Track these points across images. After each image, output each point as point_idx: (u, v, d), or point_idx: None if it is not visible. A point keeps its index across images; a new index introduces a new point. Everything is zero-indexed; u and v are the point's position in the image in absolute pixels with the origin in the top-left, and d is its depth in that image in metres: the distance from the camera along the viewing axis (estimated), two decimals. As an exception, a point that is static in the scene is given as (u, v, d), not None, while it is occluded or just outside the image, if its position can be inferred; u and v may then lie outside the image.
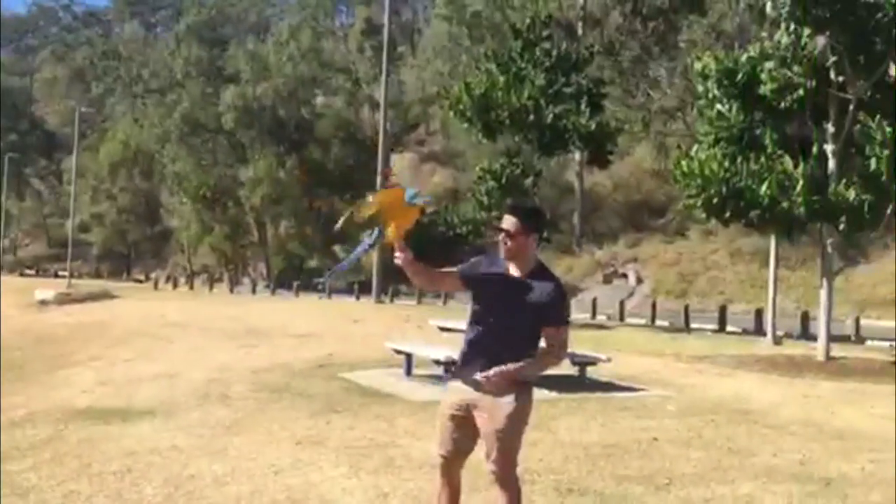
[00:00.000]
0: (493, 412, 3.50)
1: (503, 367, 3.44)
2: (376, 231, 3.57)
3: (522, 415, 3.54)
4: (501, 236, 3.55)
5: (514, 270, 3.56)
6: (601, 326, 20.46)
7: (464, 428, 3.56)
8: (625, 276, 34.86)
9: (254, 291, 37.65)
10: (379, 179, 27.09)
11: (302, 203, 43.02)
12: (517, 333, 3.52)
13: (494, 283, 3.56)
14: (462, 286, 3.68)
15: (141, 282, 49.53)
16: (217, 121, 45.34)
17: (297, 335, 15.16)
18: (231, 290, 38.35)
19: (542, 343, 3.60)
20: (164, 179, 50.95)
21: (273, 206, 42.74)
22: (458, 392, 3.59)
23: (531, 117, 18.74)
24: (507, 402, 3.51)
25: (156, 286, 41.27)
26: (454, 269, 3.70)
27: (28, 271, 59.92)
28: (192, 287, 41.55)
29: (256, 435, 6.61)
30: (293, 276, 40.09)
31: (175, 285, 42.12)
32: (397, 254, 3.50)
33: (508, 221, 3.56)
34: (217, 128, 45.85)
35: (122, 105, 74.62)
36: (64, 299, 26.95)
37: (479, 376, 3.46)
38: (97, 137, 64.85)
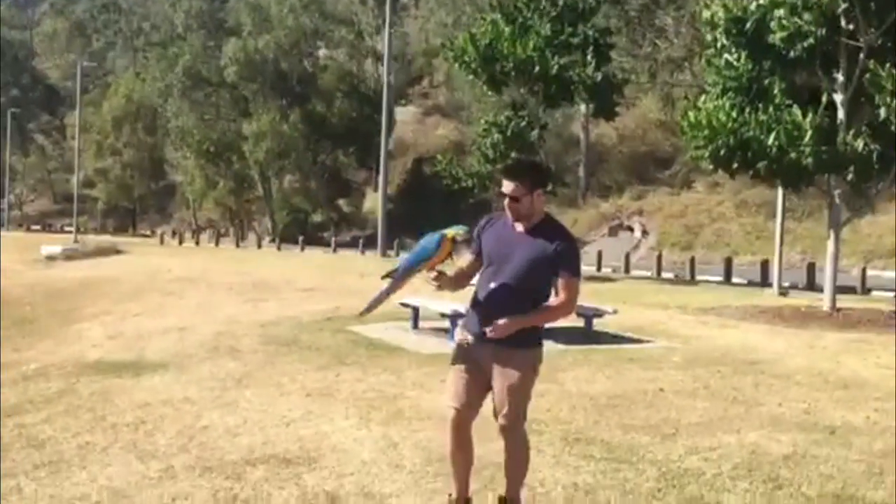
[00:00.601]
0: (504, 365, 3.52)
1: (510, 320, 3.46)
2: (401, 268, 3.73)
3: (533, 367, 3.57)
4: (506, 202, 3.50)
5: (521, 227, 3.54)
6: (607, 279, 20.52)
7: (476, 381, 3.57)
8: (630, 228, 34.80)
9: (259, 246, 37.77)
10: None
11: (306, 157, 42.85)
12: (528, 288, 3.50)
13: (502, 243, 3.54)
14: (479, 263, 3.65)
15: (147, 237, 49.70)
16: (219, 74, 44.96)
17: (303, 289, 15.23)
18: (237, 245, 38.46)
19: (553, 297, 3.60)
20: (167, 134, 50.72)
21: (277, 160, 42.61)
22: (471, 347, 3.60)
23: (536, 69, 18.54)
24: (519, 355, 3.53)
25: (161, 241, 41.40)
26: (470, 255, 3.71)
27: (34, 227, 60.09)
28: (197, 242, 41.67)
29: (267, 387, 6.69)
30: (298, 231, 40.18)
31: (181, 240, 42.24)
32: (434, 283, 3.59)
33: (509, 186, 3.49)
34: (219, 81, 45.49)
35: (123, 59, 74.05)
36: (71, 255, 27.05)
37: (488, 331, 3.47)
38: (99, 92, 64.45)
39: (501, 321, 3.47)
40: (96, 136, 58.69)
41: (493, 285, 3.52)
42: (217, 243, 39.38)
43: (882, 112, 11.55)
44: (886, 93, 11.39)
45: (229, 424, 5.51)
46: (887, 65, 11.42)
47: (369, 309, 3.88)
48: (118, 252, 28.60)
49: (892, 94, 11.33)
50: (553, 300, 3.59)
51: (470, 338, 3.60)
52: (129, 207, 61.03)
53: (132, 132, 56.95)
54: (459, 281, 3.69)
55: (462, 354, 3.64)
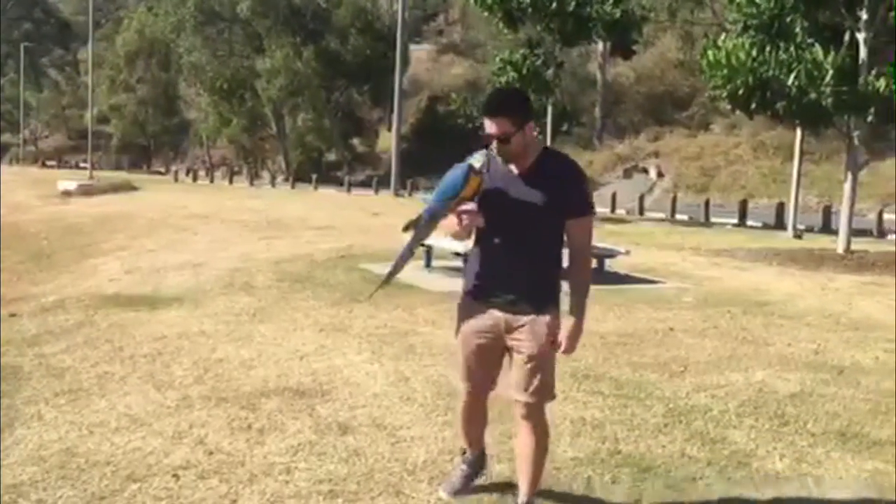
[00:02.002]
0: (527, 333, 3.06)
1: (574, 323, 3.05)
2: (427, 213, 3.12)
3: (558, 331, 3.12)
4: (493, 145, 2.99)
5: (514, 168, 3.05)
6: (620, 220, 20.47)
7: (491, 353, 3.15)
8: (645, 170, 34.55)
9: (273, 184, 37.78)
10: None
11: (319, 95, 42.50)
12: (538, 238, 3.05)
13: (500, 188, 3.04)
14: None
15: (161, 174, 49.75)
16: (232, 10, 44.36)
17: (317, 227, 15.29)
18: (251, 183, 38.49)
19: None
20: (180, 70, 50.34)
21: (290, 97, 42.29)
22: (482, 316, 3.12)
23: (553, 5, 18.25)
24: (541, 320, 3.06)
25: (176, 178, 41.46)
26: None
27: (49, 162, 60.27)
28: (212, 180, 41.71)
29: (281, 322, 6.78)
30: (312, 169, 40.11)
31: (195, 178, 42.29)
32: (462, 228, 3.00)
33: (493, 125, 2.98)
34: (232, 17, 44.90)
35: (135, -7, 73.01)
36: (87, 190, 27.18)
37: (560, 351, 3.07)
38: (112, 27, 63.82)
39: (567, 329, 3.05)
40: (109, 72, 58.32)
41: (497, 240, 3.05)
42: (231, 181, 39.42)
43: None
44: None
45: (244, 357, 5.60)
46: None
47: (392, 274, 3.35)
48: (133, 188, 28.69)
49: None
50: (575, 249, 3.12)
51: (484, 305, 3.12)
52: (144, 144, 60.97)
53: (145, 68, 56.55)
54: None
55: (471, 323, 3.15)
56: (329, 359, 5.61)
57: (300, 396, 4.74)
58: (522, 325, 3.05)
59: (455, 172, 3.02)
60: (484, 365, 3.17)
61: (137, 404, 4.57)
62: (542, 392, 3.13)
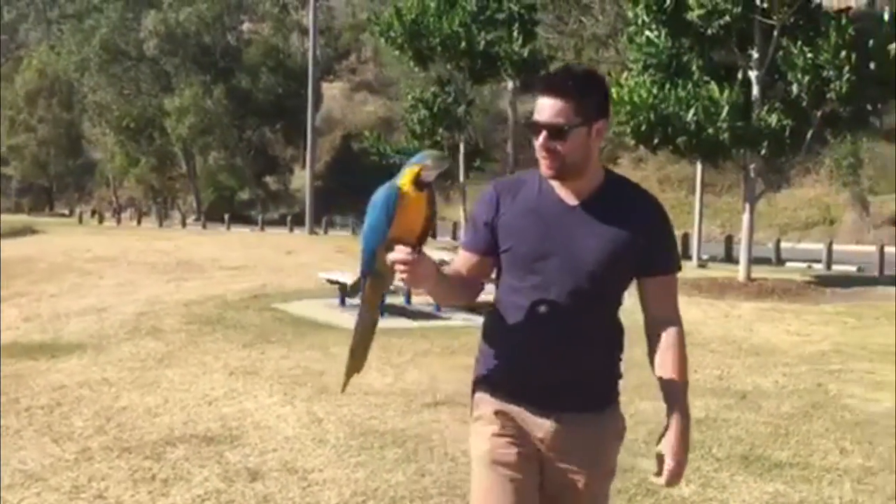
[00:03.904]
0: (582, 447, 2.07)
1: (678, 435, 2.03)
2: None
3: (621, 436, 2.20)
4: (540, 141, 1.98)
5: (567, 194, 2.04)
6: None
7: (526, 476, 2.07)
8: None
9: (184, 224, 36.93)
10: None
11: (231, 133, 41.98)
12: (601, 303, 2.06)
13: (546, 225, 2.02)
14: (487, 264, 2.11)
15: (65, 216, 47.99)
16: (139, 48, 43.53)
17: (229, 268, 15.00)
18: (160, 224, 37.53)
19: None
20: (84, 110, 48.97)
21: (201, 136, 41.58)
22: (512, 421, 2.07)
23: (463, 44, 18.56)
24: (604, 424, 2.13)
25: (80, 220, 40.06)
26: (462, 249, 2.15)
27: (-56, 207, 57.41)
28: (119, 221, 40.48)
29: (189, 367, 6.59)
30: (224, 209, 39.39)
31: (101, 219, 40.95)
32: (402, 273, 1.89)
33: (547, 110, 1.96)
34: (139, 55, 44.05)
35: (36, 31, 70.85)
36: (-17, 235, 25.97)
37: (662, 479, 2.05)
38: (12, 66, 61.67)
39: (671, 446, 2.02)
40: (9, 112, 56.24)
41: (542, 309, 2.01)
42: (139, 222, 38.33)
43: (794, 89, 12.00)
44: (798, 70, 11.80)
45: (149, 404, 5.42)
46: (799, 42, 11.83)
47: (354, 350, 2.18)
48: (34, 232, 27.59)
49: (804, 72, 11.75)
50: (657, 320, 2.09)
51: (516, 407, 2.07)
52: (46, 185, 58.78)
53: (47, 107, 54.75)
54: (455, 287, 2.11)
55: (502, 435, 2.07)
56: (239, 402, 5.49)
57: (208, 443, 4.60)
58: (575, 437, 2.05)
59: (376, 202, 1.97)
60: (513, 488, 2.05)
61: (32, 459, 4.35)
62: None
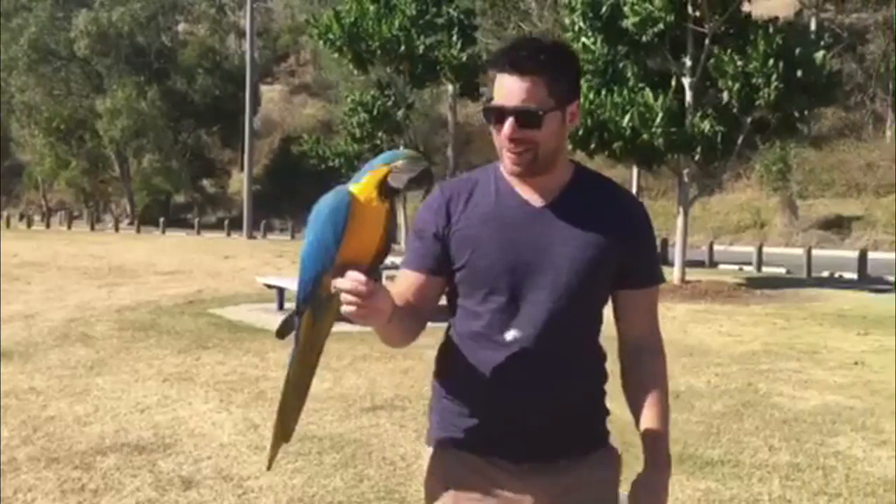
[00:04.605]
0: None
1: (658, 477, 1.73)
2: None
3: (617, 482, 1.83)
4: (506, 130, 1.61)
5: (531, 194, 1.68)
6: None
7: None
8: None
9: (116, 229, 36.06)
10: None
11: (166, 135, 41.15)
12: (578, 322, 1.69)
13: (503, 233, 1.66)
14: (436, 285, 1.71)
15: (-9, 220, 46.38)
16: (69, 48, 42.37)
17: (164, 272, 14.70)
18: (92, 228, 36.56)
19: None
20: (12, 110, 47.42)
21: (134, 138, 40.68)
22: (480, 483, 1.69)
23: (402, 48, 18.60)
24: (608, 477, 1.80)
25: (7, 224, 38.78)
26: (406, 269, 1.72)
27: None
28: (48, 225, 39.31)
29: (121, 374, 6.43)
30: (159, 212, 38.63)
31: (30, 224, 39.72)
32: (352, 307, 1.47)
33: (520, 89, 1.59)
34: (69, 55, 42.88)
35: (-41, 29, 68.42)
36: None
37: None
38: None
39: (649, 488, 1.72)
40: (-69, 113, 54.14)
41: (510, 336, 1.64)
42: (70, 226, 37.29)
43: (725, 95, 12.32)
44: (729, 77, 12.13)
45: (79, 413, 5.27)
46: (729, 50, 12.16)
47: (283, 405, 1.71)
48: (-42, 237, 26.61)
49: (734, 79, 12.08)
50: (636, 341, 1.77)
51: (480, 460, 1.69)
52: (-29, 189, 56.80)
53: (-28, 108, 52.88)
54: (405, 321, 1.63)
55: (466, 497, 1.70)
56: (173, 410, 5.37)
57: (140, 452, 4.49)
58: (570, 492, 1.70)
59: (322, 209, 1.53)
60: None
61: (-46, 472, 4.19)
62: None
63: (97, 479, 4.06)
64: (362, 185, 1.53)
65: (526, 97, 1.59)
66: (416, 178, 1.55)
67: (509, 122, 1.60)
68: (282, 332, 1.69)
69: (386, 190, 1.53)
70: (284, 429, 1.70)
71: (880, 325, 9.60)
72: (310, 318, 1.62)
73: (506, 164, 1.66)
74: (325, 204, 1.53)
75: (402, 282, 1.72)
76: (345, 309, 1.47)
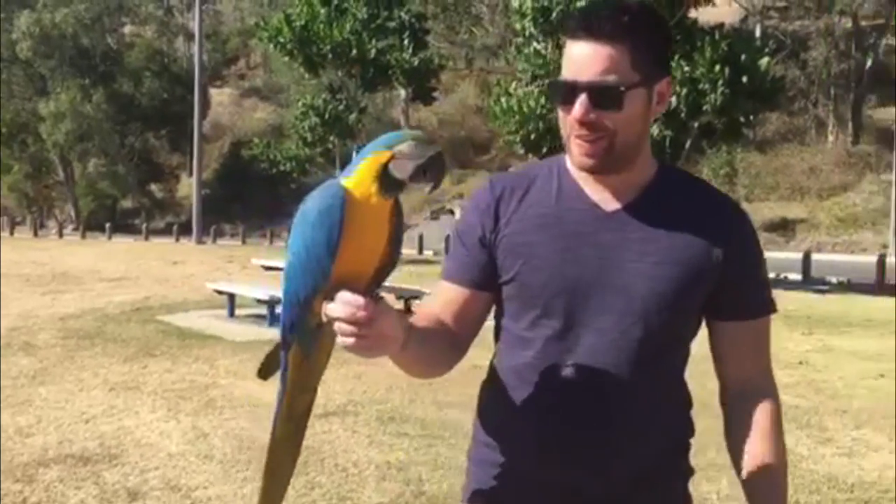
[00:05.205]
0: None
1: None
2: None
3: None
4: (577, 111, 1.28)
5: (604, 195, 1.36)
6: (427, 262, 20.88)
7: None
8: (451, 211, 35.58)
9: (60, 235, 35.24)
10: None
11: (112, 139, 40.36)
12: (657, 357, 1.35)
13: (564, 241, 1.35)
14: (482, 302, 1.41)
15: (-71, 227, 44.95)
16: (11, 49, 41.31)
17: (110, 279, 14.40)
18: (35, 234, 35.67)
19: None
20: (-50, 113, 46.08)
21: (79, 142, 39.82)
22: None
23: (353, 52, 18.54)
24: None
25: (-53, 231, 37.64)
26: (445, 281, 1.43)
27: None
28: (-11, 231, 38.27)
29: (65, 384, 6.27)
30: (106, 218, 37.86)
31: (-30, 230, 38.61)
32: (349, 338, 1.14)
33: (596, 59, 1.27)
34: (11, 57, 41.80)
35: None
36: None
37: None
38: None
39: None
40: None
41: (569, 373, 1.33)
42: (12, 232, 36.32)
43: (673, 101, 12.52)
44: (676, 83, 12.32)
45: (20, 424, 5.11)
46: (677, 56, 12.36)
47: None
48: None
49: (681, 85, 12.28)
50: (744, 385, 1.44)
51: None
52: None
53: None
54: (434, 347, 1.35)
55: None
56: (119, 420, 5.25)
57: (84, 463, 4.38)
58: None
59: (312, 209, 1.19)
60: None
61: None
62: None
63: (40, 493, 3.95)
64: (357, 176, 1.19)
65: (603, 69, 1.26)
66: (425, 165, 1.20)
67: (581, 101, 1.27)
68: (264, 372, 1.37)
69: (387, 182, 1.19)
70: (271, 501, 1.34)
71: (823, 324, 9.84)
72: (298, 352, 1.27)
73: (574, 155, 1.33)
74: (314, 204, 1.19)
75: (439, 296, 1.42)
76: (341, 341, 1.14)
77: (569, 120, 1.30)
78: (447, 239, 26.56)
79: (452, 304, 1.40)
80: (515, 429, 1.38)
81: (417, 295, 10.01)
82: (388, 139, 1.22)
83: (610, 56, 1.26)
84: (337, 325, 1.13)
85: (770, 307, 1.42)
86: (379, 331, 1.14)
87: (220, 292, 10.08)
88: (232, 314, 9.63)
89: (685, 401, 1.45)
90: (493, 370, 1.45)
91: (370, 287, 1.21)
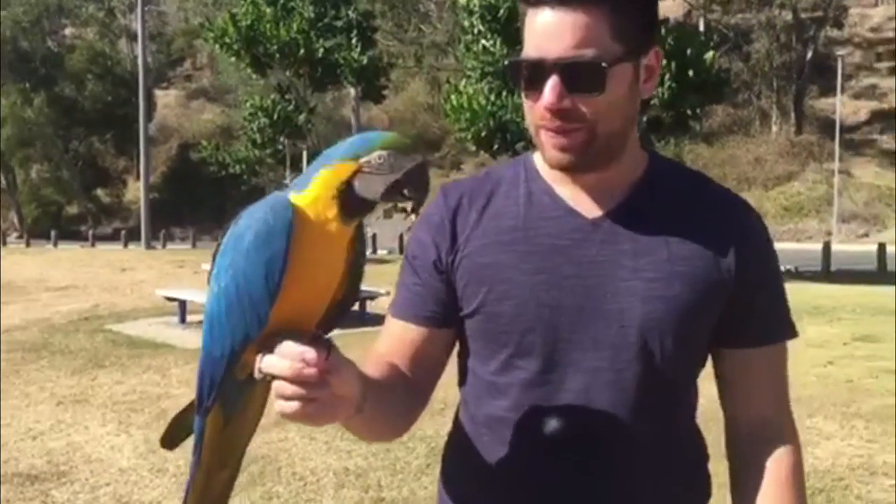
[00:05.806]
0: None
1: None
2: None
3: None
4: (547, 95, 1.00)
5: (583, 199, 1.09)
6: (382, 261, 20.78)
7: None
8: (404, 210, 35.17)
9: (4, 243, 34.33)
10: None
11: (55, 144, 39.46)
12: (657, 400, 1.08)
13: (538, 261, 1.07)
14: (441, 341, 1.15)
15: None
16: (-54, 53, 40.14)
17: (56, 288, 14.04)
18: (-23, 243, 34.70)
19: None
20: None
21: (21, 148, 38.87)
22: None
23: (301, 51, 18.36)
24: None
25: None
26: (394, 318, 1.19)
27: None
28: (-72, 242, 37.12)
29: (10, 399, 6.07)
30: (51, 225, 36.99)
31: None
32: (290, 406, 0.87)
33: (568, 28, 0.98)
34: (-53, 61, 40.63)
35: None
36: None
37: None
38: None
39: None
40: None
41: (556, 424, 1.07)
42: (-47, 242, 35.30)
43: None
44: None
45: (-37, 444, 4.94)
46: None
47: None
48: None
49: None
50: (759, 422, 1.13)
51: None
52: None
53: None
54: (391, 403, 1.05)
55: None
56: (68, 435, 5.10)
57: (32, 482, 4.24)
58: None
59: (236, 251, 0.90)
60: None
61: None
62: None
63: (-16, 516, 3.82)
64: (311, 192, 0.91)
65: (577, 42, 0.98)
66: (403, 181, 0.94)
67: (551, 84, 1.00)
68: (169, 441, 1.06)
69: (351, 203, 0.91)
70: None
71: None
72: (219, 416, 0.97)
73: (545, 151, 1.06)
74: (251, 224, 0.89)
75: (390, 337, 1.16)
76: (280, 407, 0.86)
77: (536, 109, 1.03)
78: (401, 237, 26.52)
79: (406, 346, 1.13)
80: (489, 494, 1.11)
81: (373, 296, 9.94)
82: (353, 146, 0.94)
83: (585, 24, 0.98)
84: (276, 385, 0.86)
85: (791, 331, 1.13)
86: (331, 392, 0.86)
87: (170, 299, 9.89)
88: (183, 321, 9.46)
89: (696, 451, 1.16)
90: (457, 425, 1.17)
91: (317, 335, 0.90)
